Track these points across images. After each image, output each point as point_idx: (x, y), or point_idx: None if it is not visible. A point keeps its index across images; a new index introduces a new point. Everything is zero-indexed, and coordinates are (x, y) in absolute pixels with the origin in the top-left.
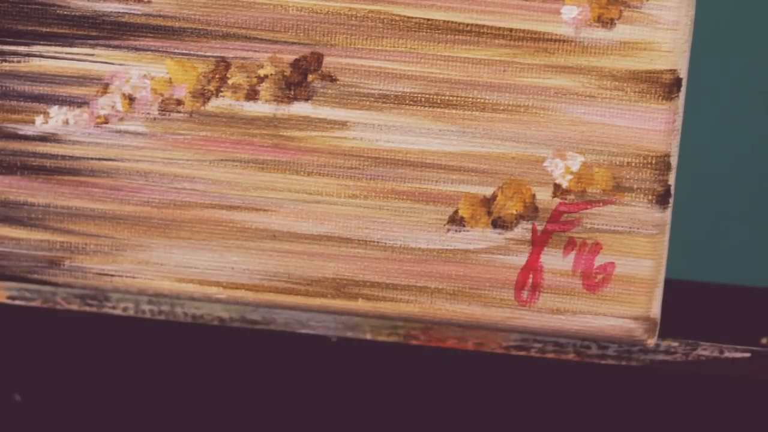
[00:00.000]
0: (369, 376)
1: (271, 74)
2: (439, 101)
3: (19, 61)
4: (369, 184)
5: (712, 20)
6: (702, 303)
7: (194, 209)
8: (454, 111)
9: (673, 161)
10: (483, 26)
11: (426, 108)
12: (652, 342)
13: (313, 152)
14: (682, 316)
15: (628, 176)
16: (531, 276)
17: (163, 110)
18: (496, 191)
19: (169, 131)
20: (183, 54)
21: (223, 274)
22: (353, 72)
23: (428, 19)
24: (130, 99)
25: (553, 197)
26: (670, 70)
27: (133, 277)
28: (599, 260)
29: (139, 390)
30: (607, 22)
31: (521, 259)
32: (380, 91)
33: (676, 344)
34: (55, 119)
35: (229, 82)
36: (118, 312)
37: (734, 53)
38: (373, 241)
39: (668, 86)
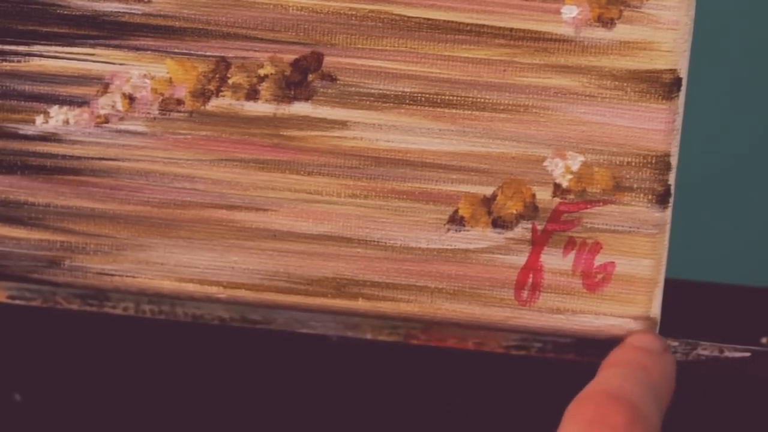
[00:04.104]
0: (369, 376)
1: (272, 74)
2: (439, 101)
3: (19, 61)
4: (369, 184)
5: (712, 20)
6: (702, 303)
7: (194, 209)
8: (454, 111)
9: (673, 161)
10: (483, 26)
11: (426, 108)
12: None
13: (313, 152)
14: (682, 316)
15: (628, 176)
16: (531, 275)
17: (163, 110)
18: (496, 191)
19: (170, 131)
20: (183, 54)
21: (224, 273)
22: (353, 72)
23: (428, 19)
24: (131, 99)
25: (553, 197)
26: (670, 70)
27: (134, 277)
28: (599, 260)
29: (139, 390)
30: (607, 22)
31: (521, 259)
32: (380, 91)
33: (676, 344)
34: (55, 119)
35: (230, 81)
36: (118, 312)
37: (734, 53)
38: (373, 241)
39: (668, 86)
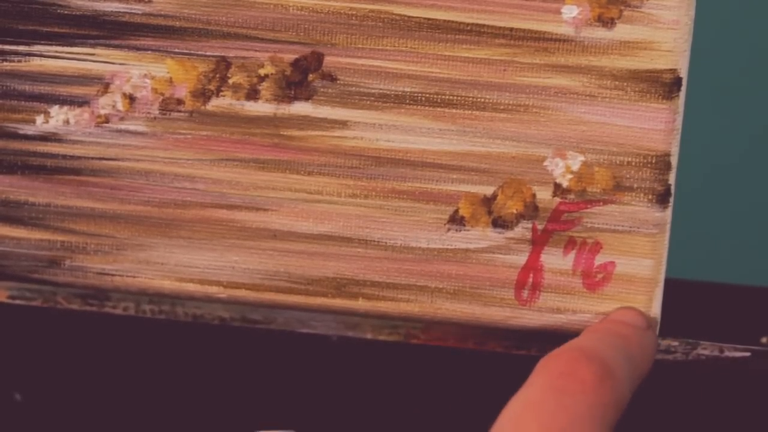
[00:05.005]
0: (369, 376)
1: (272, 74)
2: (439, 101)
3: (19, 61)
4: (369, 184)
5: (712, 20)
6: (702, 303)
7: (195, 209)
8: (454, 110)
9: (674, 160)
10: (483, 26)
11: (426, 107)
12: None
13: (313, 152)
14: (682, 316)
15: (628, 175)
16: (531, 275)
17: (163, 110)
18: (497, 190)
19: (170, 131)
20: (183, 53)
21: (224, 273)
22: (354, 71)
23: (429, 19)
24: (131, 98)
25: (554, 196)
26: (670, 69)
27: (134, 277)
28: (599, 259)
29: (139, 390)
30: (607, 22)
31: (521, 259)
32: (380, 91)
33: (676, 344)
34: (55, 119)
35: (230, 81)
36: (118, 311)
37: (734, 53)
38: (374, 241)
39: (668, 86)
